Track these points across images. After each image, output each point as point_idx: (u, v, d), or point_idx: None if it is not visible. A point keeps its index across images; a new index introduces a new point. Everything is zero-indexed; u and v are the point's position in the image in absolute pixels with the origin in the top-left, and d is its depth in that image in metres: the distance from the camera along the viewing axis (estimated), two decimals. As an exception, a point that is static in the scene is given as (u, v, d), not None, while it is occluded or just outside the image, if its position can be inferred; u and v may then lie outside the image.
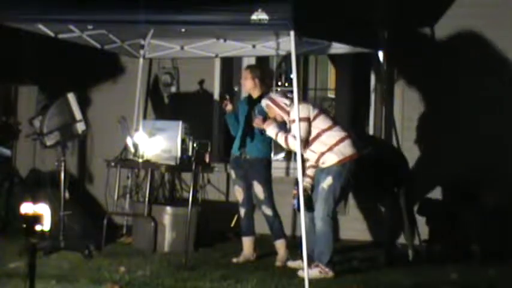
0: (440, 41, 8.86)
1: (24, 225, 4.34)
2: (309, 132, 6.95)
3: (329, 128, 7.00)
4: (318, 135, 6.98)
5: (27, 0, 7.13)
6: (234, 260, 7.63)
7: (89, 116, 9.13)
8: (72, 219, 8.13)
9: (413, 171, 8.52)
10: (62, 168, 7.63)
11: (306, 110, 6.95)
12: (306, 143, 6.94)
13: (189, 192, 8.11)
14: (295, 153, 7.41)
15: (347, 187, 7.18)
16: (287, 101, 7.08)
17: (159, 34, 8.71)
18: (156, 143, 8.20)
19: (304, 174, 7.00)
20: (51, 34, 7.89)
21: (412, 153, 8.64)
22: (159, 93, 9.92)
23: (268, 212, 7.57)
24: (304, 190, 6.87)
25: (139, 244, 8.19)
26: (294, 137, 6.78)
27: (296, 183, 6.95)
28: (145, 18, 6.78)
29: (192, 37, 8.69)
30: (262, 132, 7.31)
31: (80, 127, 7.78)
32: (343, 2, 7.98)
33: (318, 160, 7.03)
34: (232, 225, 8.73)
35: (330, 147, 6.96)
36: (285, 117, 7.09)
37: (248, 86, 7.68)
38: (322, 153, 6.99)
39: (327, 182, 6.95)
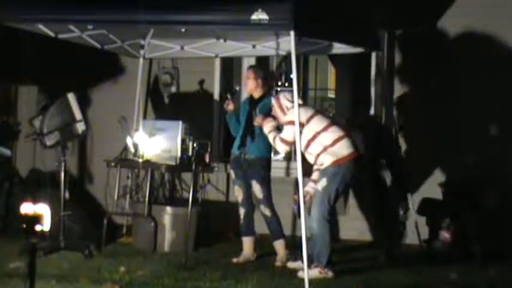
0: (440, 41, 8.86)
1: (24, 225, 4.33)
2: (293, 137, 6.81)
3: (324, 129, 6.99)
4: (314, 137, 6.98)
5: (27, 0, 7.13)
6: (234, 260, 7.63)
7: (89, 116, 9.13)
8: (72, 219, 8.15)
9: (402, 156, 8.55)
10: (62, 168, 7.63)
11: (302, 115, 6.91)
12: (292, 145, 7.00)
13: (189, 192, 8.11)
14: (295, 153, 7.41)
15: (345, 187, 7.18)
16: (289, 104, 7.08)
17: (159, 34, 8.71)
18: (156, 143, 8.19)
19: (309, 177, 7.08)
20: (51, 34, 7.89)
21: (412, 153, 8.64)
22: (159, 93, 9.91)
23: (267, 212, 7.56)
24: (306, 195, 6.88)
25: (139, 244, 8.18)
26: (282, 139, 6.94)
27: (296, 183, 6.95)
28: (145, 18, 6.77)
29: (192, 37, 8.68)
30: (262, 130, 7.33)
31: (80, 127, 7.77)
32: (343, 2, 7.98)
33: (316, 162, 7.04)
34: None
35: (324, 148, 6.96)
36: (281, 119, 7.12)
37: (250, 86, 7.68)
38: (318, 155, 6.99)
39: (321, 183, 6.94)
